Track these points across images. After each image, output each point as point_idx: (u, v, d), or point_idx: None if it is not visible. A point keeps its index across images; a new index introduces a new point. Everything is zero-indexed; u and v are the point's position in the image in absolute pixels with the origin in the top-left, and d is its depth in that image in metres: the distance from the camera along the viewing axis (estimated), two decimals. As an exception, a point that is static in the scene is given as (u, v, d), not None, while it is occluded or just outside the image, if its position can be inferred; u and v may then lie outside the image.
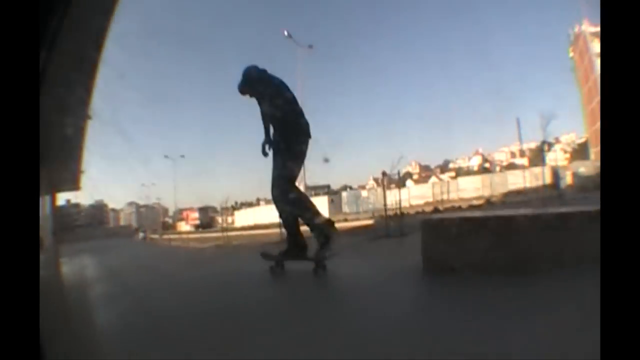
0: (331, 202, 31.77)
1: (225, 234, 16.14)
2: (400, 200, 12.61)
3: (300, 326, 2.51)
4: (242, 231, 20.22)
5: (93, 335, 2.73)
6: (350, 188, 41.97)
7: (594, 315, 1.25)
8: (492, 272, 3.16)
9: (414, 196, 30.24)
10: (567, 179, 25.23)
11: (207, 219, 45.67)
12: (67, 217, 44.39)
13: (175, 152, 46.25)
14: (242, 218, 38.79)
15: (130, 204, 56.13)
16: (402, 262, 4.38)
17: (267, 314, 2.92)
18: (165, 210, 53.37)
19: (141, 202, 55.04)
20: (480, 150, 45.86)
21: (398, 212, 18.01)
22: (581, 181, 22.32)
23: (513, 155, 44.11)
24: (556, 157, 34.38)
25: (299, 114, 4.39)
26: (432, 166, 46.69)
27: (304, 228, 4.45)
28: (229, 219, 44.77)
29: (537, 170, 29.28)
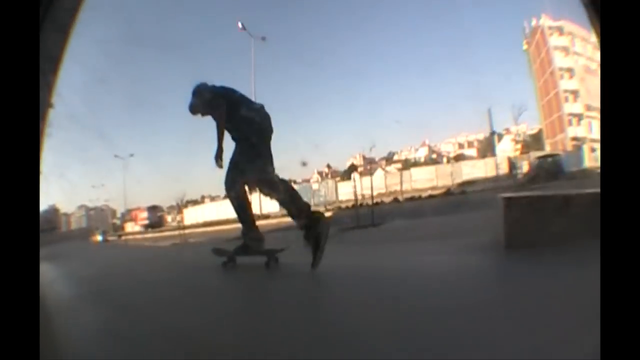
0: None
1: (181, 232, 16.19)
2: (371, 190, 12.74)
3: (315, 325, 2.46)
4: (198, 228, 20.21)
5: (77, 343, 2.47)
6: (295, 182, 41.95)
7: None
8: (572, 247, 3.30)
9: (366, 187, 30.49)
10: (524, 169, 25.80)
11: (156, 218, 45.10)
12: None
13: (124, 151, 45.51)
14: (192, 216, 38.46)
15: (80, 207, 54.11)
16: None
17: (271, 310, 2.92)
18: (114, 212, 52.74)
19: (91, 205, 53.33)
20: (427, 142, 46.32)
21: (364, 202, 18.12)
22: (539, 171, 22.56)
23: (461, 146, 44.90)
24: (507, 147, 35.10)
25: (256, 110, 4.39)
26: (377, 158, 46.72)
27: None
28: (179, 217, 45.54)
29: (490, 160, 30.13)
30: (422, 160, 43.50)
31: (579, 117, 30.59)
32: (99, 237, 36.65)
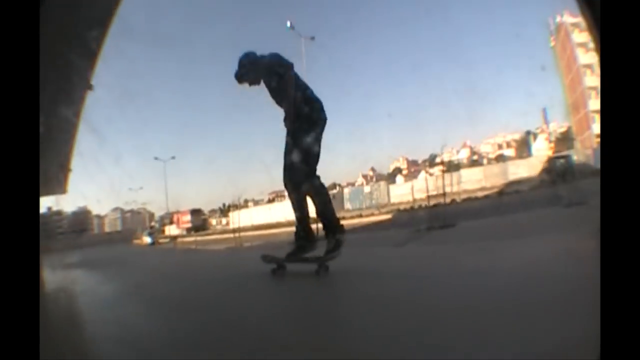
0: (332, 198, 30.27)
1: (236, 235, 16.24)
2: (443, 190, 12.99)
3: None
4: (249, 232, 20.38)
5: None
6: (339, 185, 42.36)
7: None
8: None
9: (418, 189, 30.55)
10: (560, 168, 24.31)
11: (200, 221, 44.92)
12: (50, 224, 43.02)
13: (165, 154, 45.88)
14: (237, 219, 37.82)
15: (115, 209, 54.63)
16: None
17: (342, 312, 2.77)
18: (152, 215, 52.91)
19: (126, 208, 54.09)
20: (468, 143, 46.13)
21: (422, 204, 18.44)
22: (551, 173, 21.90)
23: (500, 146, 44.89)
24: (542, 146, 34.83)
25: (314, 97, 4.14)
26: (419, 161, 47.16)
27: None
28: (224, 221, 45.59)
29: (533, 160, 30.13)
30: (465, 161, 43.46)
31: (601, 113, 30.03)
32: (147, 240, 32.52)
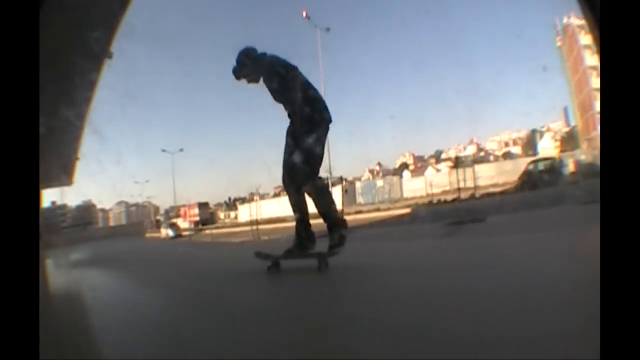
0: (345, 192, 29.38)
1: (254, 228, 16.19)
2: (465, 185, 13.01)
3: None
4: (266, 225, 20.49)
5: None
6: (346, 180, 42.64)
7: None
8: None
9: (432, 185, 30.38)
10: (570, 167, 24.86)
11: (207, 215, 44.44)
12: (54, 218, 42.89)
13: (173, 147, 45.86)
14: (246, 213, 36.70)
15: (120, 203, 55.18)
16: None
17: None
18: (157, 209, 52.63)
19: (131, 202, 54.29)
20: (475, 140, 46.78)
21: (437, 199, 18.75)
22: (531, 177, 21.69)
23: (507, 144, 45.36)
24: (548, 145, 35.25)
25: (319, 96, 4.05)
26: (426, 157, 48.02)
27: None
28: (232, 215, 45.62)
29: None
30: (472, 158, 43.35)
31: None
32: (168, 233, 29.44)
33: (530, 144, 38.06)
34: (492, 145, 46.19)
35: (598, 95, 30.49)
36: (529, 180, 21.30)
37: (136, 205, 54.44)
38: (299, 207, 4.00)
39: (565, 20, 33.58)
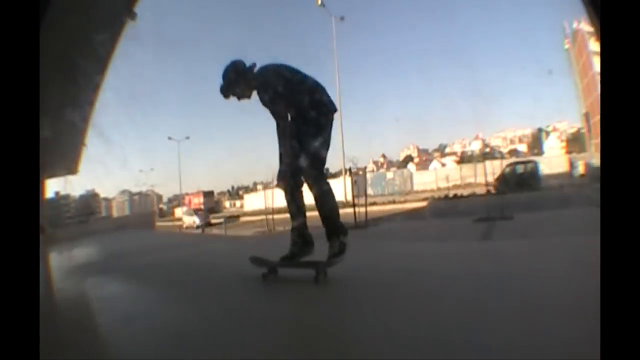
0: (354, 183, 28.80)
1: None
2: (476, 180, 12.12)
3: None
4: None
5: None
6: (350, 171, 42.32)
7: None
8: None
9: (440, 178, 30.87)
10: (580, 168, 24.99)
11: (212, 204, 43.79)
12: (58, 209, 42.32)
13: (178, 134, 45.41)
14: (252, 202, 35.72)
15: (123, 192, 54.97)
16: None
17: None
18: (160, 197, 53.15)
19: (134, 190, 53.90)
20: (481, 136, 47.16)
21: (451, 194, 18.31)
22: (508, 179, 20.71)
23: (512, 141, 45.36)
24: (554, 145, 35.48)
25: (321, 91, 3.55)
26: (430, 150, 48.31)
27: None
28: (237, 204, 45.74)
29: (554, 158, 30.38)
30: (477, 153, 43.91)
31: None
32: (194, 221, 24.53)
33: (535, 142, 38.24)
34: (496, 142, 46.33)
35: (605, 100, 30.84)
36: (505, 183, 20.21)
37: (139, 193, 54.31)
38: (297, 211, 3.62)
39: (575, 25, 33.92)
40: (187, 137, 41.42)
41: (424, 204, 19.66)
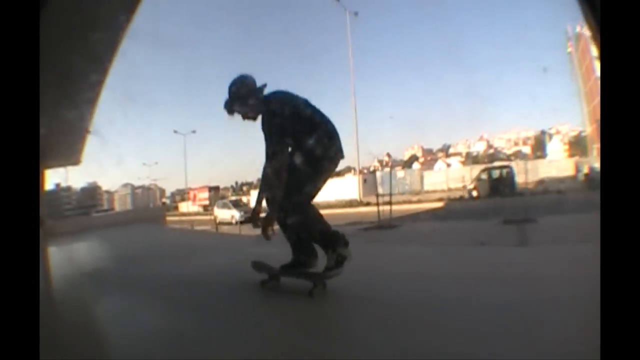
0: (364, 182, 29.03)
1: None
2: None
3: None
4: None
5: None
6: (354, 170, 42.59)
7: None
8: None
9: (451, 179, 31.21)
10: (584, 171, 24.05)
11: (218, 198, 39.75)
12: (58, 200, 41.77)
13: (185, 128, 44.59)
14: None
15: (125, 185, 54.32)
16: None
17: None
18: (163, 191, 52.86)
19: (137, 183, 53.34)
20: (485, 136, 47.69)
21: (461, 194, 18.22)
22: (480, 185, 21.02)
23: (516, 143, 45.48)
24: (557, 147, 35.50)
25: (329, 136, 3.21)
26: (434, 150, 48.61)
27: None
28: (245, 199, 44.10)
29: (561, 161, 30.27)
30: (482, 154, 44.28)
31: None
32: (233, 215, 20.28)
33: (538, 144, 38.59)
34: (500, 143, 46.55)
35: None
36: (481, 188, 20.51)
37: (141, 187, 54.01)
38: (296, 228, 3.29)
39: (577, 29, 34.27)
40: (194, 131, 42.48)
41: (440, 204, 19.83)
